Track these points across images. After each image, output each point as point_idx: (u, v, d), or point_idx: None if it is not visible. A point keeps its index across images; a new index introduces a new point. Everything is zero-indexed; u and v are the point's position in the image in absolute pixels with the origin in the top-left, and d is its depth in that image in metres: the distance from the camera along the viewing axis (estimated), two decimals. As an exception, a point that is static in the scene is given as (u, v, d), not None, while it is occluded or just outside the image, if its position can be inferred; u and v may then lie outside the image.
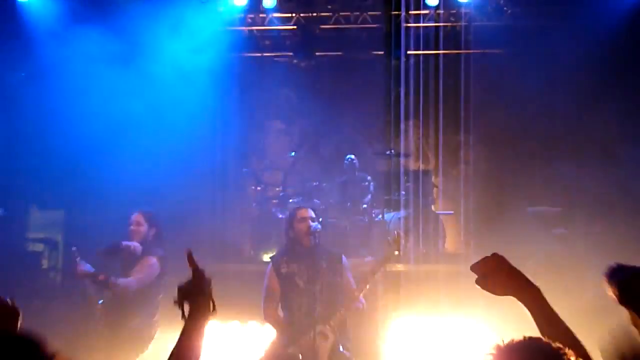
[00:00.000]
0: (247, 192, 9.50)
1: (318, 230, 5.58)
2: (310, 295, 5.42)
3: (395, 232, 5.73)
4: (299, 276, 5.55)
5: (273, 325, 5.70)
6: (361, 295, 5.45)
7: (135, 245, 5.94)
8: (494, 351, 2.12)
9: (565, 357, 2.08)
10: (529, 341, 2.14)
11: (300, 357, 5.38)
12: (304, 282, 5.51)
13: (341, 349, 5.46)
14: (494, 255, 2.45)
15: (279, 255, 5.81)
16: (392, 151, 8.91)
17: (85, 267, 5.62)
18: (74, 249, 5.69)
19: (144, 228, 6.11)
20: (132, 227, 6.11)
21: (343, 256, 5.78)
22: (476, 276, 2.45)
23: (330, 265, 5.57)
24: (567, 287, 7.22)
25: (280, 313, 5.68)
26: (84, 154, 8.07)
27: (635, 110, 8.14)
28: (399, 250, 5.62)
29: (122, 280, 5.77)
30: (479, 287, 2.45)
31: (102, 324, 5.92)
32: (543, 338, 2.15)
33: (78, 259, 5.60)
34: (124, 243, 5.96)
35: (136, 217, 6.16)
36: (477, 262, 2.45)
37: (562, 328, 2.32)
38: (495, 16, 9.41)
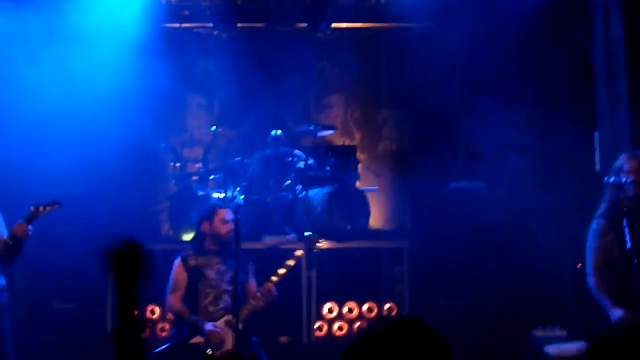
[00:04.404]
0: (166, 169, 9.18)
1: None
2: (218, 285, 5.51)
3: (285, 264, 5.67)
4: (207, 267, 5.57)
5: (177, 315, 5.60)
6: (272, 288, 5.51)
7: None
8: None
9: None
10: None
11: (206, 348, 5.35)
12: (213, 274, 5.55)
13: (247, 337, 5.44)
14: None
15: (187, 251, 5.73)
16: (316, 126, 8.73)
17: None
18: None
19: None
20: None
21: (248, 258, 5.81)
22: None
23: (238, 261, 5.52)
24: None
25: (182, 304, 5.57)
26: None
27: (558, 85, 8.19)
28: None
29: None
30: None
31: None
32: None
33: None
34: None
35: None
36: None
37: None
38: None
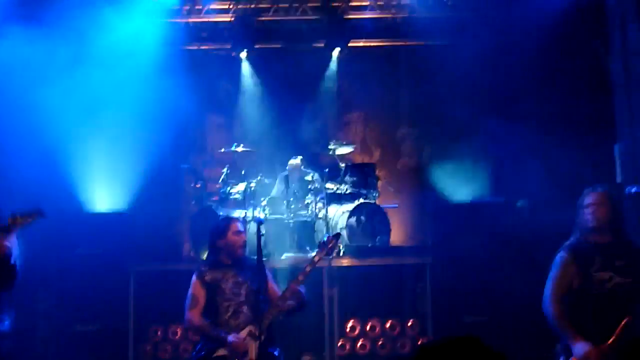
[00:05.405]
0: (187, 189, 9.23)
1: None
2: (236, 297, 5.49)
3: (327, 236, 5.67)
4: (223, 282, 5.54)
5: (198, 331, 5.58)
6: (300, 286, 5.45)
7: None
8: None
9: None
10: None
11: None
12: (230, 287, 5.53)
13: (270, 348, 5.39)
14: None
15: (202, 267, 5.69)
16: (335, 144, 8.76)
17: None
18: None
19: None
20: None
21: (265, 267, 5.71)
22: None
23: (253, 273, 5.52)
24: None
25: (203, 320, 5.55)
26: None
27: (575, 98, 8.16)
28: (329, 254, 5.66)
29: None
30: None
31: None
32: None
33: None
34: None
35: None
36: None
37: None
38: (436, 8, 9.38)
